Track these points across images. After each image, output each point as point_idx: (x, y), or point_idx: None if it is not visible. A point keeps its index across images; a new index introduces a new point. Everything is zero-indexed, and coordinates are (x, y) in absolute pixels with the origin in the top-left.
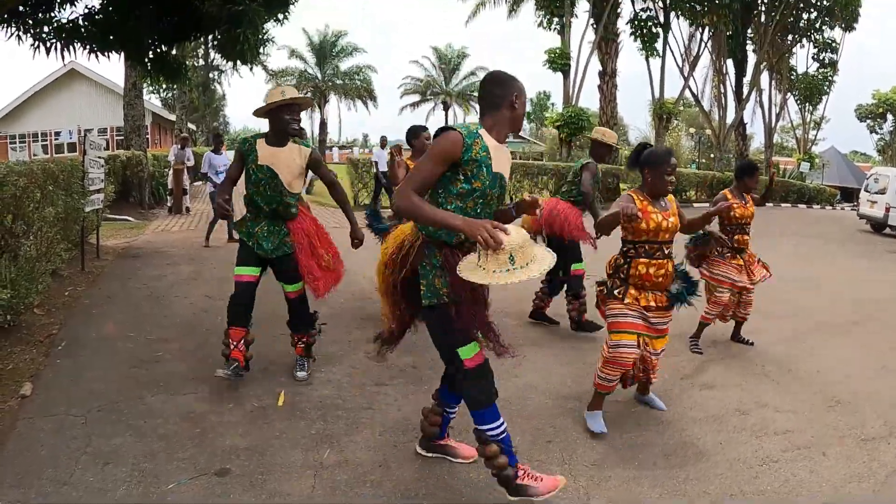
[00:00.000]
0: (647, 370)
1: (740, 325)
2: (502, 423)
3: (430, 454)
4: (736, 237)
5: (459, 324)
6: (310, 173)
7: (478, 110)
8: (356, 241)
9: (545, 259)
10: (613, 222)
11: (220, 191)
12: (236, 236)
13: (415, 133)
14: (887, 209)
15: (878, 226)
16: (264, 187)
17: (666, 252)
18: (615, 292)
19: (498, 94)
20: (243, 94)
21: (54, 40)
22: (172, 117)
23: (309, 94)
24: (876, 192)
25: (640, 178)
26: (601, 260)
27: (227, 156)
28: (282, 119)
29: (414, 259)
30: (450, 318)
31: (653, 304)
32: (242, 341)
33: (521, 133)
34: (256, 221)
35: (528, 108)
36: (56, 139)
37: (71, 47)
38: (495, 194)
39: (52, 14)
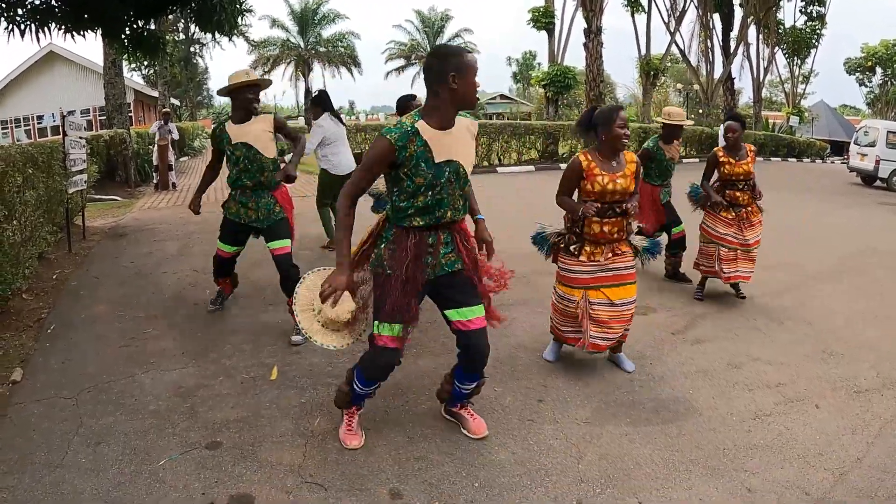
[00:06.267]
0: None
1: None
2: (371, 390)
3: (445, 416)
4: (727, 192)
5: (389, 300)
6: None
7: None
8: (286, 175)
9: (332, 337)
10: (572, 210)
11: (201, 184)
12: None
13: (405, 103)
14: (877, 161)
15: (868, 178)
16: (245, 163)
17: (618, 211)
18: (571, 248)
19: (436, 70)
20: (226, 67)
21: (28, 22)
22: (155, 93)
23: (291, 63)
24: (866, 145)
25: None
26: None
27: None
28: (246, 98)
29: (377, 232)
30: (383, 289)
31: (610, 254)
32: (230, 280)
33: (507, 93)
34: (246, 197)
35: (515, 68)
36: (39, 123)
37: (46, 28)
38: (448, 182)
39: None
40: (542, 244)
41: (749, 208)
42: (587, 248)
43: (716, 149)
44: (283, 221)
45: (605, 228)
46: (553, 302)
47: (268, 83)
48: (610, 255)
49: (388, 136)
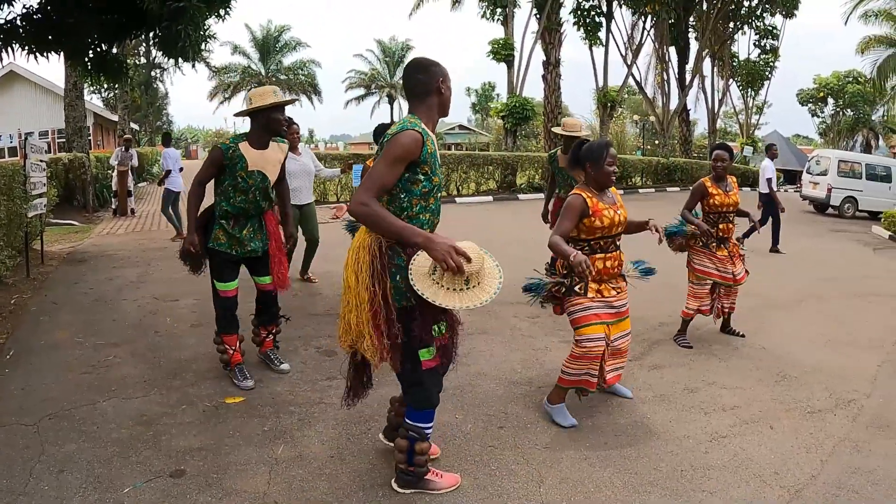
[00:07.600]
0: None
1: (729, 317)
2: (433, 422)
3: (389, 444)
4: (720, 226)
5: (423, 325)
6: None
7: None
8: (289, 238)
9: (493, 284)
10: (564, 256)
11: (190, 213)
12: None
13: (385, 130)
14: (829, 190)
15: (820, 206)
16: (255, 192)
17: (617, 244)
18: (576, 289)
19: (424, 81)
20: (186, 92)
21: None
22: (115, 117)
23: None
24: (818, 174)
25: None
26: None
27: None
28: (274, 119)
29: (382, 262)
30: (423, 316)
31: (614, 292)
32: (239, 344)
33: (466, 124)
34: (240, 225)
35: (474, 98)
36: None
37: (9, 48)
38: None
39: None
40: (538, 291)
41: (731, 241)
42: (592, 286)
43: (703, 179)
44: (267, 253)
45: (608, 264)
46: (575, 354)
47: (295, 100)
48: (615, 293)
49: (416, 129)
